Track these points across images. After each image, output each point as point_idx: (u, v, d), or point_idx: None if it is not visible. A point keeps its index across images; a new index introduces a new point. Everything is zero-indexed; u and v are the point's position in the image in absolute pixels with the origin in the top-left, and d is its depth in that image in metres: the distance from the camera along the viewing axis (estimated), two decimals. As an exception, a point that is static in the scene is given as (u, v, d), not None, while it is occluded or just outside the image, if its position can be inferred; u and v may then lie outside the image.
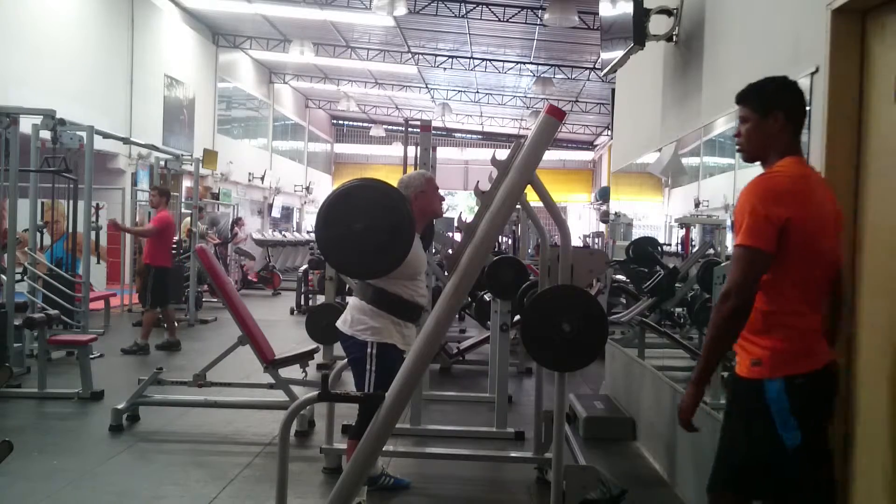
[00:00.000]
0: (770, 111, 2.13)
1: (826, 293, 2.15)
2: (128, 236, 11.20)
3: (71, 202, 7.81)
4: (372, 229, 2.44)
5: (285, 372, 4.97)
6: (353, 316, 3.29)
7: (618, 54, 4.43)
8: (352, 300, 3.37)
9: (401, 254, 2.53)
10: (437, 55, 17.79)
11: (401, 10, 12.82)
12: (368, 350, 3.22)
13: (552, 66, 17.66)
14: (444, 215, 4.91)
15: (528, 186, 2.54)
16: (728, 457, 2.17)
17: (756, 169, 2.21)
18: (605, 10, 4.89)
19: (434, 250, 5.61)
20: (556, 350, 2.59)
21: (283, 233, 18.87)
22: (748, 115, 2.18)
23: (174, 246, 9.01)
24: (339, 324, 3.37)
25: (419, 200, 3.29)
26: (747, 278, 2.02)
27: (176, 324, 8.12)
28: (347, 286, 7.20)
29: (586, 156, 28.42)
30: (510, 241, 10.79)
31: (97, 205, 9.89)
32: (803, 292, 2.07)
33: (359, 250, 2.47)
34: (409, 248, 2.72)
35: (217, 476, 3.98)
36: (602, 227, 18.49)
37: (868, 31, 2.36)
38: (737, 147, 2.27)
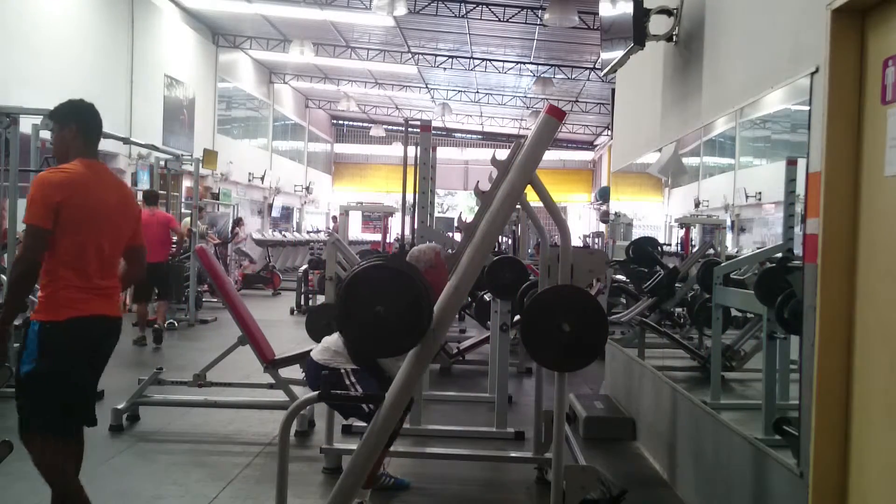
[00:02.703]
0: (66, 124, 2.85)
1: (104, 261, 2.79)
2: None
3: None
4: (392, 310, 2.42)
5: (285, 372, 4.97)
6: (329, 348, 3.46)
7: (618, 54, 4.42)
8: (335, 336, 3.49)
9: (424, 326, 2.52)
10: (437, 55, 17.79)
11: (401, 10, 12.82)
12: (342, 372, 3.35)
13: (552, 66, 17.65)
14: (444, 215, 4.91)
15: (528, 186, 2.54)
16: None
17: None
18: (605, 10, 4.89)
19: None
20: (556, 350, 2.59)
21: (282, 233, 18.88)
22: (54, 127, 2.90)
23: (173, 244, 9.01)
24: (313, 353, 3.51)
25: (429, 275, 3.30)
26: (35, 248, 2.64)
27: (147, 320, 8.28)
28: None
29: (586, 156, 28.42)
30: (510, 241, 10.78)
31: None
32: (72, 258, 2.69)
33: (384, 332, 2.44)
34: (432, 319, 2.70)
35: (217, 476, 3.98)
36: (602, 227, 18.49)
37: (868, 31, 2.36)
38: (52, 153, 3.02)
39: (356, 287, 2.41)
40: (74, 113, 2.89)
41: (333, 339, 3.49)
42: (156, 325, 8.11)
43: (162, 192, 10.54)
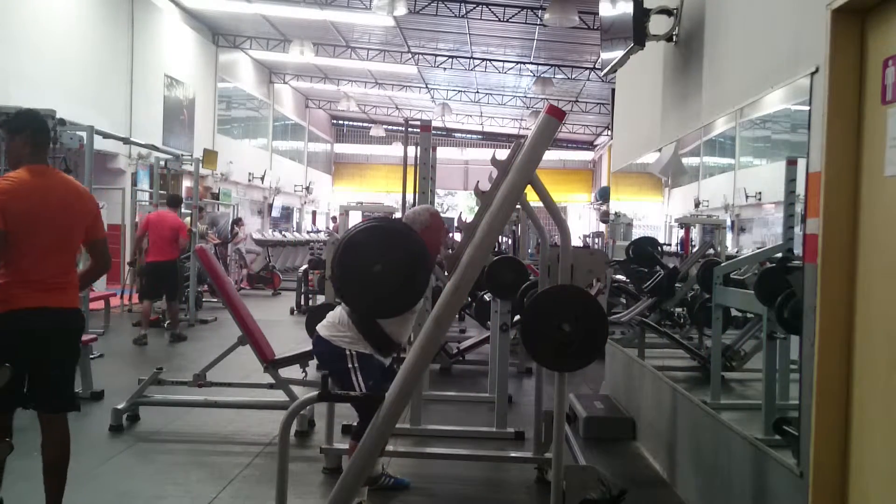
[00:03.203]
0: (18, 134, 3.08)
1: (51, 257, 3.04)
2: (128, 237, 11.34)
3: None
4: (390, 269, 2.41)
5: (285, 372, 4.97)
6: (333, 323, 3.35)
7: (618, 54, 4.42)
8: (338, 309, 3.42)
9: (421, 288, 2.51)
10: (437, 55, 17.79)
11: (401, 10, 12.82)
12: (347, 353, 3.26)
13: (552, 66, 17.66)
14: (444, 215, 4.91)
15: (528, 186, 2.54)
16: None
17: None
18: (605, 10, 4.88)
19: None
20: (556, 350, 2.59)
21: (283, 233, 18.88)
22: (6, 137, 3.14)
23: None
24: (319, 326, 3.42)
25: (425, 235, 3.28)
26: None
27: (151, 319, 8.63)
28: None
29: (586, 156, 28.42)
30: (510, 241, 10.78)
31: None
32: (17, 257, 2.95)
33: (380, 290, 2.44)
34: (422, 296, 2.69)
35: (217, 476, 3.98)
36: (602, 227, 18.49)
37: (868, 31, 2.36)
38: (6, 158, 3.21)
39: (353, 248, 2.40)
40: (26, 122, 3.14)
41: (339, 312, 3.39)
42: (175, 331, 8.44)
43: (162, 192, 10.55)
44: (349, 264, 2.40)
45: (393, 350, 3.41)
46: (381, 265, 2.34)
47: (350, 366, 3.25)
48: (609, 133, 20.56)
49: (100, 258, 3.42)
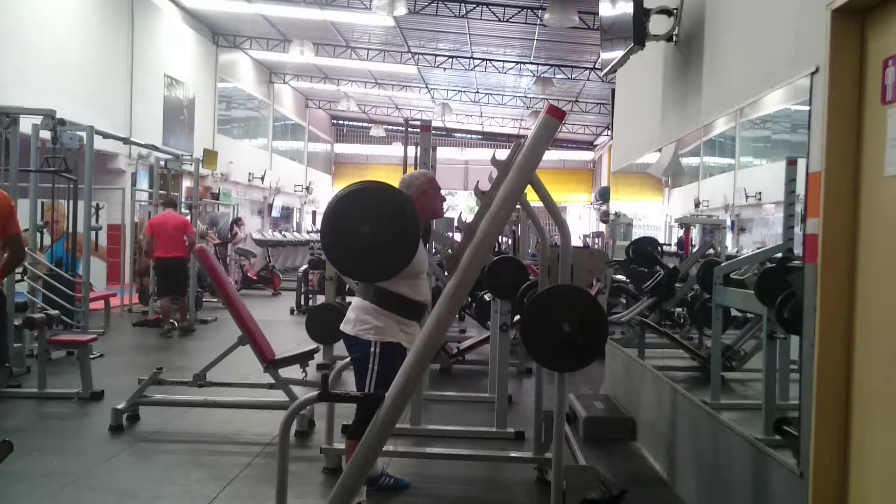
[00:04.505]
0: None
1: None
2: (128, 237, 11.35)
3: (71, 202, 7.81)
4: (378, 232, 2.42)
5: (285, 372, 4.97)
6: (357, 316, 3.28)
7: (618, 54, 4.42)
8: (355, 300, 3.36)
9: (408, 255, 2.51)
10: (437, 55, 17.80)
11: (401, 10, 12.82)
12: (372, 349, 3.21)
13: (552, 66, 17.66)
14: (444, 215, 4.91)
15: (528, 186, 2.54)
16: None
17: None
18: (605, 10, 4.88)
19: (434, 250, 5.61)
20: (556, 350, 2.59)
21: (283, 233, 18.88)
22: None
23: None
24: (342, 326, 3.35)
25: (421, 200, 3.25)
26: None
27: (171, 314, 8.88)
28: (347, 286, 7.23)
29: (586, 156, 28.43)
30: (510, 241, 10.78)
31: (97, 205, 9.90)
32: None
33: (366, 254, 2.45)
34: (416, 250, 2.69)
35: (217, 476, 3.98)
36: (602, 227, 18.49)
37: (868, 31, 2.36)
38: None
39: (339, 214, 2.41)
40: None
41: (355, 303, 3.34)
42: (172, 324, 8.63)
43: (162, 192, 10.56)
44: (337, 232, 2.41)
45: (420, 311, 3.33)
46: (368, 226, 2.36)
47: (370, 364, 3.21)
48: (609, 133, 20.56)
49: (13, 251, 3.96)
